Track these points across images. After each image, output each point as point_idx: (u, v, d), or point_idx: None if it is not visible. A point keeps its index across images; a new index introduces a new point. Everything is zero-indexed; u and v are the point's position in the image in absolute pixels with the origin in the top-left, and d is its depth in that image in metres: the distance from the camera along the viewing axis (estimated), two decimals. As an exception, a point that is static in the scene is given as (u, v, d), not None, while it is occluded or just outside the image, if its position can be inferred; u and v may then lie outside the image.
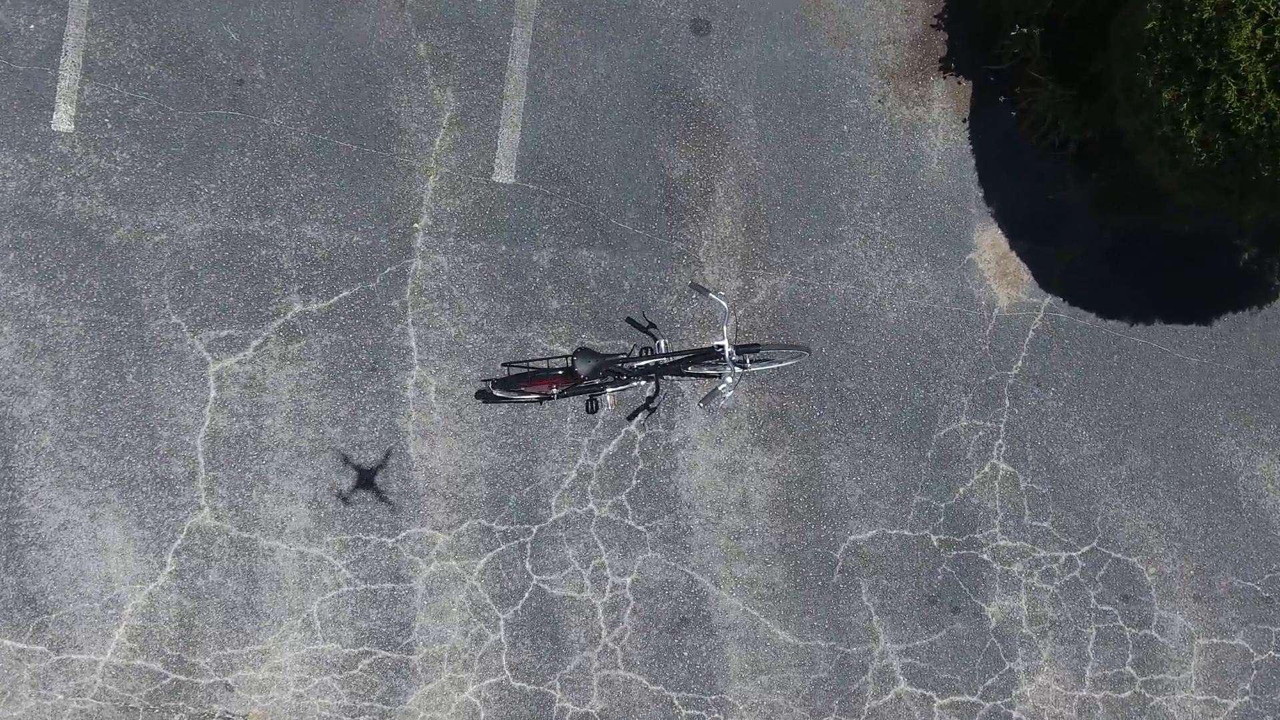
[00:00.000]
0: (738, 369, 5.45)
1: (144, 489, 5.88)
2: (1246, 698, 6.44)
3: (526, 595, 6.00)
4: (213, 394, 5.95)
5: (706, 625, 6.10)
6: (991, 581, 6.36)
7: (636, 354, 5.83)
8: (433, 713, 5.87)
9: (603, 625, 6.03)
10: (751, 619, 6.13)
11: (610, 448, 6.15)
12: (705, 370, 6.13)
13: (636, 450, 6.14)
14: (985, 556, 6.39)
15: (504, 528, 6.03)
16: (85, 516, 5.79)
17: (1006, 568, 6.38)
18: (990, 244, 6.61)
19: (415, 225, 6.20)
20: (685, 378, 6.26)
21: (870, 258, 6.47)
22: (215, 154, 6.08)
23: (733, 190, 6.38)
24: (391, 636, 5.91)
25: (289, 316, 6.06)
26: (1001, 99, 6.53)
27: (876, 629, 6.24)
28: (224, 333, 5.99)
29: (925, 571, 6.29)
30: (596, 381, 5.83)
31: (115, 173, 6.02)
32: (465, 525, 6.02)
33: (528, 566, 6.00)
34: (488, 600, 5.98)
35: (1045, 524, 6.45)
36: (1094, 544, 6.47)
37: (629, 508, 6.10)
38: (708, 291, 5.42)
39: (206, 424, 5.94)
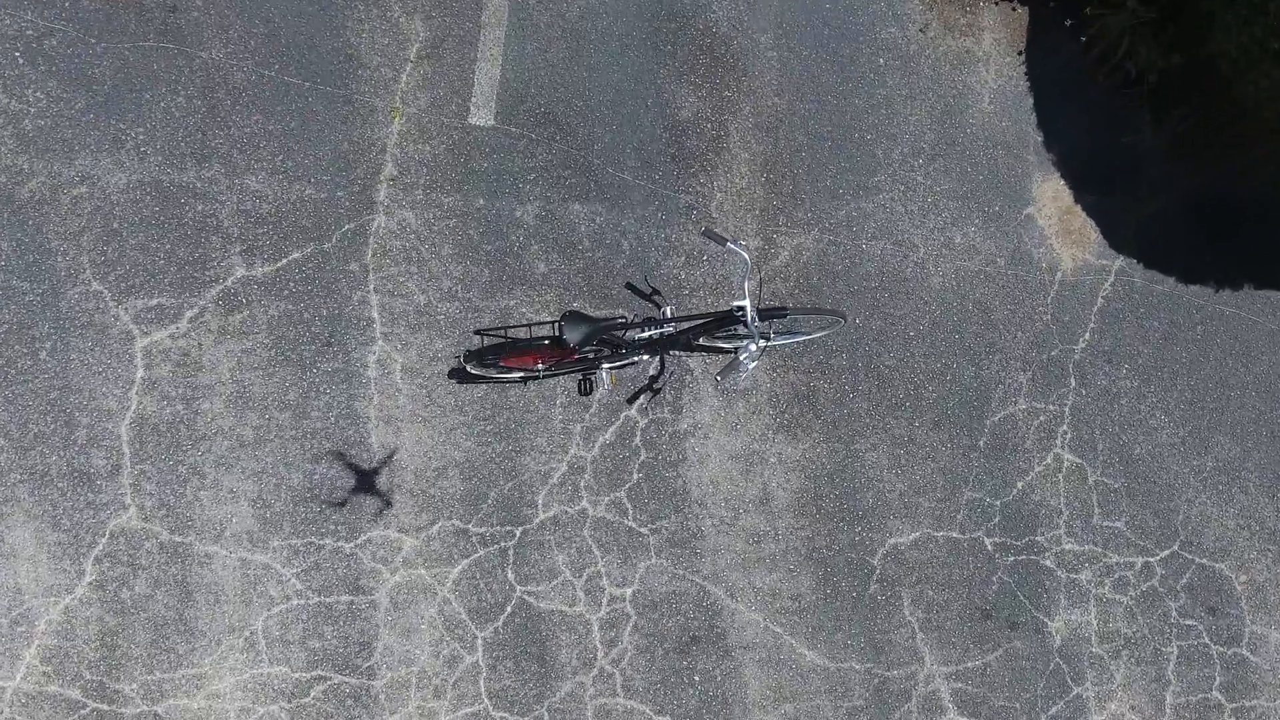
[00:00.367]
0: (761, 337, 4.51)
1: (59, 485, 5.02)
2: (1359, 729, 5.51)
3: (509, 610, 5.10)
4: (140, 373, 5.08)
5: (721, 645, 5.19)
6: (1055, 592, 5.43)
7: (638, 322, 4.90)
8: (397, 749, 5.01)
9: (599, 645, 5.13)
10: (774, 637, 5.22)
11: (607, 436, 5.25)
12: (720, 343, 5.22)
13: (638, 439, 5.24)
14: (1048, 563, 5.46)
15: (482, 530, 5.12)
16: (-14, 518, 4.95)
17: (1073, 576, 5.45)
18: (1051, 196, 5.68)
19: (379, 176, 5.31)
20: (696, 351, 5.35)
21: (911, 213, 5.56)
22: (144, 93, 5.21)
23: (750, 134, 5.46)
24: (350, 659, 5.03)
25: (229, 283, 5.19)
26: (1066, 24, 5.59)
27: (921, 648, 5.32)
28: (153, 301, 5.12)
29: (978, 581, 5.37)
30: (590, 355, 4.93)
31: (27, 115, 5.16)
32: (436, 527, 5.12)
33: (510, 576, 5.10)
34: (463, 616, 5.08)
35: (1118, 524, 5.52)
36: (1174, 548, 5.53)
37: (629, 506, 5.19)
38: (724, 240, 4.51)
39: (133, 409, 5.07)
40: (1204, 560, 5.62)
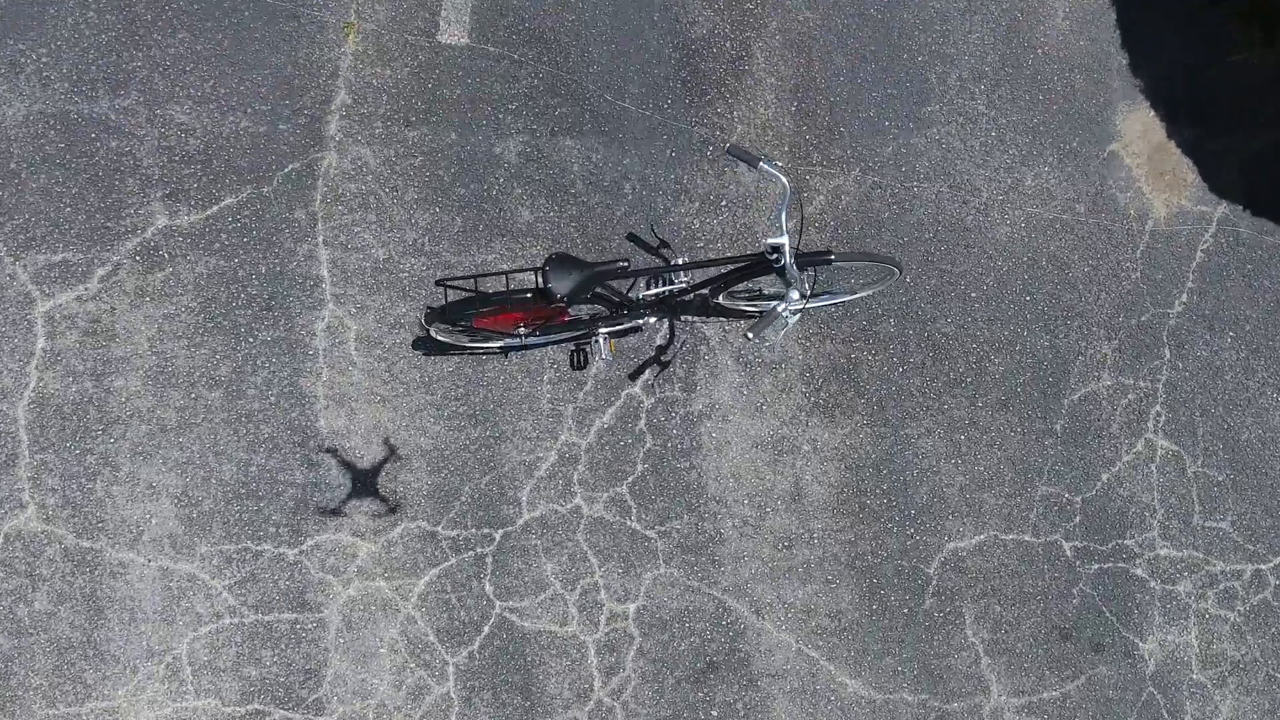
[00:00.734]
0: (802, 283, 3.57)
1: (-60, 479, 4.18)
2: None
3: (487, 630, 4.23)
4: (41, 344, 4.23)
5: (744, 672, 4.30)
6: (1148, 607, 4.52)
7: (642, 270, 3.99)
8: (350, 801, 4.15)
9: (596, 673, 4.24)
10: (809, 663, 4.32)
11: (605, 418, 4.35)
12: (744, 304, 4.32)
13: (643, 422, 4.34)
14: (1139, 572, 4.55)
15: (454, 534, 4.24)
16: None
17: (1169, 588, 4.54)
18: (1140, 130, 4.75)
19: (330, 105, 4.41)
20: (713, 316, 4.44)
21: (972, 150, 4.64)
22: (47, 7, 4.36)
23: (778, 54, 4.55)
24: (293, 689, 4.16)
25: (149, 234, 4.34)
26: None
27: (986, 676, 4.41)
28: (57, 257, 4.27)
29: (1054, 594, 4.46)
30: (583, 316, 4.02)
31: (-96, 33, 4.28)
32: (398, 530, 4.24)
33: (488, 589, 4.22)
34: (431, 637, 4.21)
35: (1223, 525, 4.60)
36: (1290, 553, 4.62)
37: (633, 504, 4.29)
38: (756, 159, 3.61)
39: (31, 387, 4.23)
40: (1325, 568, 4.69)
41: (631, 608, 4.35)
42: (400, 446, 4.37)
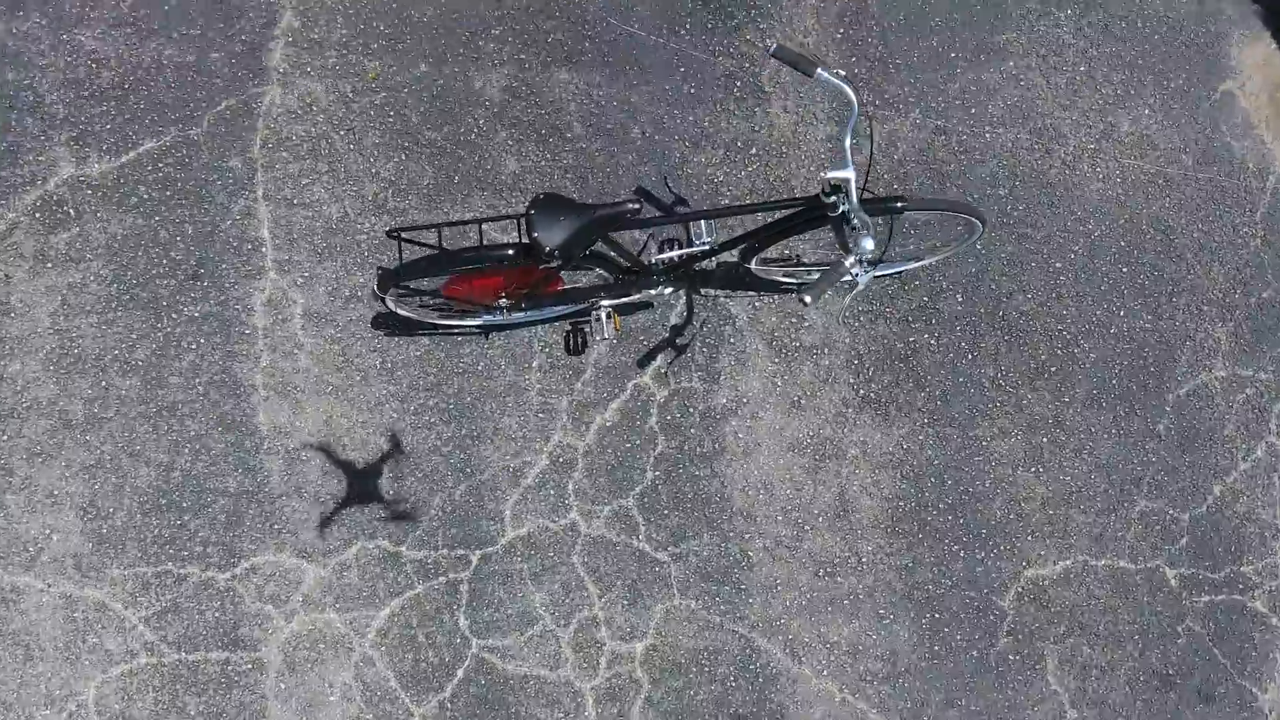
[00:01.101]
0: (875, 230, 2.76)
1: None
2: None
3: (461, 674, 3.48)
4: (-83, 320, 3.49)
5: (777, 725, 3.57)
6: (1269, 648, 3.74)
7: (654, 219, 3.18)
8: None
9: (594, 726, 3.51)
10: (856, 716, 3.53)
11: (608, 415, 3.59)
12: (778, 274, 3.53)
13: (654, 419, 3.57)
14: (1258, 606, 3.77)
15: (421, 555, 3.49)
16: None
17: (1294, 623, 3.76)
18: (1259, 64, 3.96)
19: (273, 29, 3.64)
20: (740, 289, 3.66)
21: (1056, 88, 3.85)
22: (-77, -94, 3.59)
23: (821, -31, 3.78)
24: (223, 745, 3.45)
25: (52, 186, 3.61)
26: None
27: (1072, 730, 3.66)
28: (-62, 215, 3.53)
29: (1155, 632, 3.68)
30: (581, 285, 3.25)
31: None
32: (354, 551, 3.48)
33: (463, 623, 3.46)
34: (392, 683, 3.45)
35: (1360, 548, 3.80)
36: None
37: (640, 521, 3.53)
38: (812, 65, 2.81)
39: (-94, 372, 3.48)
40: None
41: (638, 648, 3.56)
42: (356, 448, 3.58)
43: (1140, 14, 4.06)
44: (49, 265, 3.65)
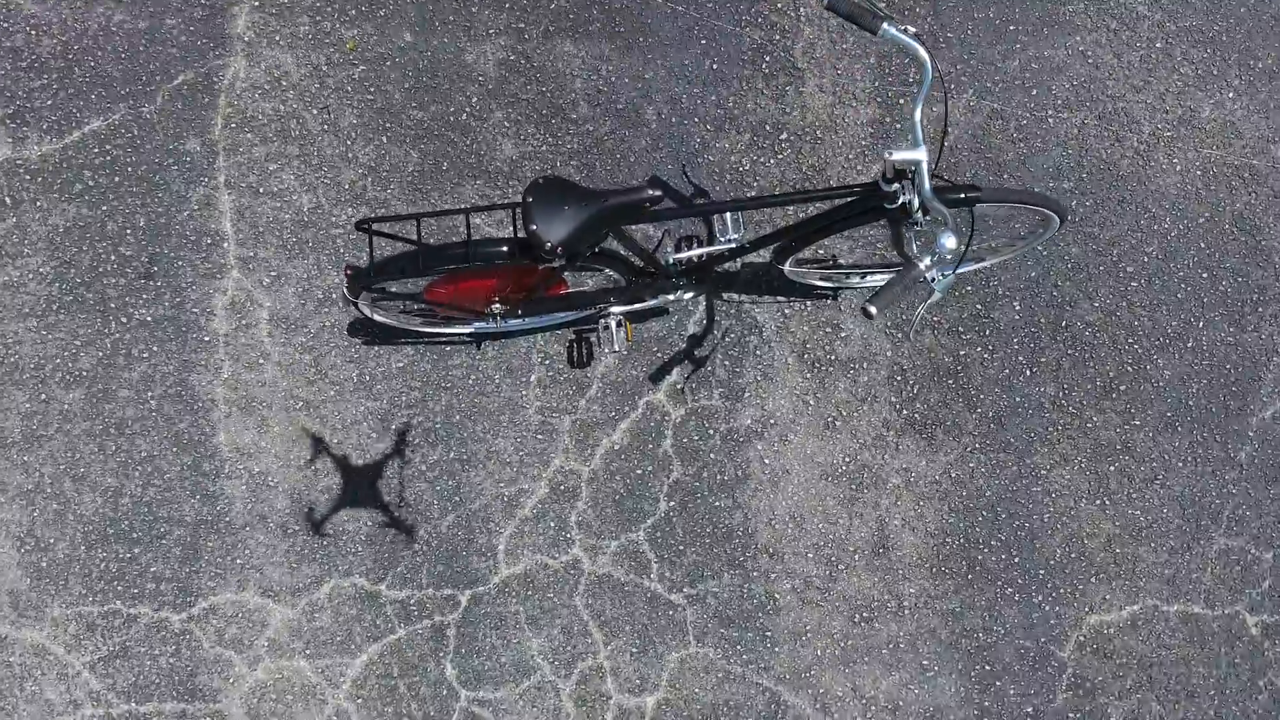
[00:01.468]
0: (955, 222, 2.32)
1: None
2: None
3: (447, 728, 3.12)
4: None
5: (805, 790, 3.18)
6: (1360, 703, 3.33)
7: (672, 210, 2.77)
8: None
9: (598, 790, 3.12)
10: (895, 779, 3.18)
11: (616, 437, 3.18)
12: (815, 278, 3.12)
13: (668, 442, 3.16)
14: (1349, 654, 3.35)
15: (403, 595, 3.08)
16: None
17: (1388, 676, 3.34)
18: (1365, 43, 3.49)
19: None
20: (767, 293, 3.25)
21: (1129, 66, 3.41)
22: None
23: (864, -74, 3.28)
24: (177, 808, 3.07)
25: None
26: None
27: (1137, 796, 3.26)
28: None
29: (1234, 687, 3.29)
30: (587, 288, 2.85)
31: None
32: (326, 590, 3.08)
33: (450, 672, 3.06)
34: (369, 738, 3.09)
35: None
36: None
37: (652, 557, 3.13)
38: (877, 19, 2.39)
39: None
40: None
41: (649, 701, 3.15)
42: (330, 472, 3.16)
43: (1223, -17, 3.60)
44: (-19, 261, 3.23)
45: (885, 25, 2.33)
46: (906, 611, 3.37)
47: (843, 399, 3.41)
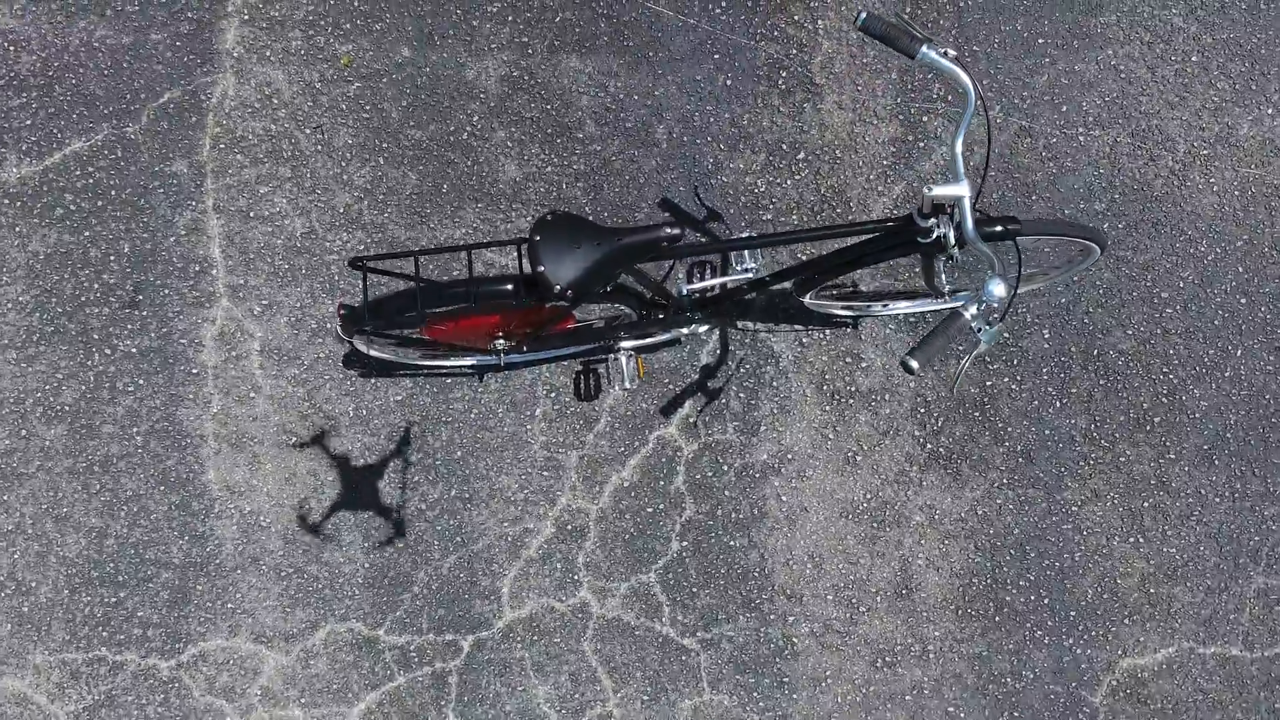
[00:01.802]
0: (1003, 261, 2.19)
1: None
2: None
3: (449, 780, 2.98)
4: None
5: (824, 844, 3.04)
6: (1404, 748, 3.20)
7: (693, 245, 2.62)
8: None
9: (608, 845, 2.99)
10: (919, 833, 3.04)
11: (625, 473, 3.04)
12: (836, 308, 2.98)
13: (680, 478, 3.01)
14: (1393, 697, 3.21)
15: (403, 641, 2.94)
16: None
17: None
18: None
19: (225, 6, 3.08)
20: (784, 323, 3.10)
21: (1163, 82, 3.26)
22: None
23: (886, -65, 3.20)
24: None
25: None
26: None
27: (1172, 847, 3.13)
28: None
29: None
30: (596, 321, 2.71)
31: None
32: (321, 635, 2.94)
33: (451, 721, 2.96)
34: (367, 791, 2.95)
35: None
36: None
37: (663, 599, 2.99)
38: (916, 41, 2.27)
39: None
40: None
41: (661, 752, 3.02)
42: (325, 511, 3.02)
43: (1261, -9, 3.44)
44: (-42, 289, 3.09)
45: (924, 48, 2.18)
46: (931, 656, 3.23)
47: (864, 432, 3.27)
